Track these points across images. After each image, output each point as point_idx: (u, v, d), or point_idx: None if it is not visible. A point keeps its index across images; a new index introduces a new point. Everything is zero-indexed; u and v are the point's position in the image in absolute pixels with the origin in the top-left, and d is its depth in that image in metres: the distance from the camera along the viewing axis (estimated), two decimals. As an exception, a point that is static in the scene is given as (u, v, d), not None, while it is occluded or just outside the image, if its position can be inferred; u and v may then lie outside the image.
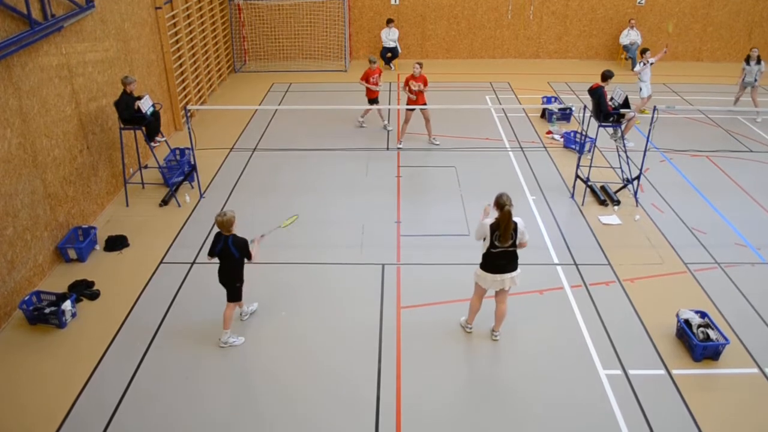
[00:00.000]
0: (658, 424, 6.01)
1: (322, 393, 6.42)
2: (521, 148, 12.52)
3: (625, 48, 18.22)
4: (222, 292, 7.91)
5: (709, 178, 11.17)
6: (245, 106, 14.52)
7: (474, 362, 6.91)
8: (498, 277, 6.64)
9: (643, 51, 13.43)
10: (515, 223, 6.42)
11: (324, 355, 6.98)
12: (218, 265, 6.97)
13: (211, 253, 6.89)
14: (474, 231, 6.62)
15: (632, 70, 17.82)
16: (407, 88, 11.93)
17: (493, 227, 6.42)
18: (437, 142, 12.60)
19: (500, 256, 6.54)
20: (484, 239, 6.56)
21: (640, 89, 13.56)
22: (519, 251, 6.65)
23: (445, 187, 10.82)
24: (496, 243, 6.46)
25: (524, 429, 6.01)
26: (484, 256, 6.62)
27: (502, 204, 6.35)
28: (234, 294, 7.05)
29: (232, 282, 6.99)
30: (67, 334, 7.29)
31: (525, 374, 6.66)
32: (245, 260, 6.92)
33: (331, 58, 18.62)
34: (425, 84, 11.90)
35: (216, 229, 6.87)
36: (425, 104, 12.04)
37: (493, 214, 6.51)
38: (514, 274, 6.68)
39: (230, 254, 6.78)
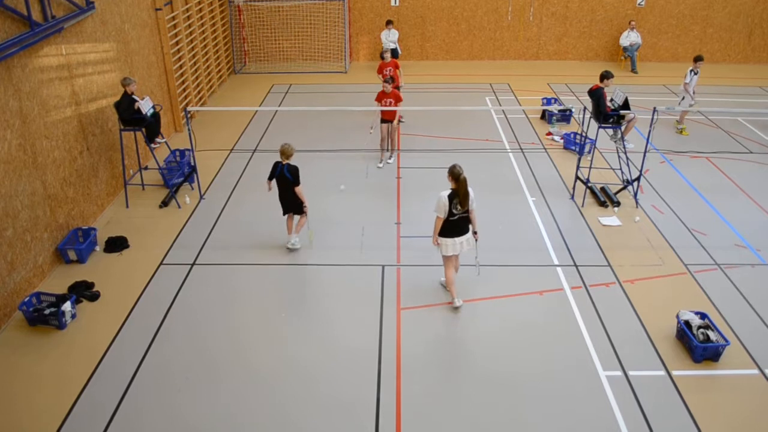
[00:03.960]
0: (659, 426, 6.00)
1: (322, 395, 6.41)
2: (521, 149, 12.53)
3: (625, 49, 18.24)
4: (221, 295, 7.97)
5: (709, 180, 11.17)
6: (245, 108, 14.54)
7: (474, 363, 6.89)
8: (457, 240, 7.43)
9: (697, 58, 12.70)
10: (468, 192, 7.26)
11: (323, 356, 6.97)
12: (278, 194, 8.59)
13: (271, 177, 8.53)
14: (435, 207, 7.35)
15: (632, 71, 17.91)
16: (383, 101, 11.44)
17: (451, 197, 7.22)
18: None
19: (457, 222, 7.35)
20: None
21: (683, 98, 12.88)
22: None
23: (445, 189, 10.78)
24: (454, 210, 7.24)
25: (525, 430, 6.01)
26: (444, 225, 7.34)
27: (457, 174, 7.19)
28: (298, 209, 8.70)
29: (294, 202, 8.61)
30: (67, 336, 7.29)
31: (525, 375, 6.66)
32: (295, 186, 8.41)
33: (331, 59, 18.63)
34: (397, 99, 11.50)
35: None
36: (393, 119, 11.46)
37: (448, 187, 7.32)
38: (467, 236, 7.50)
39: (285, 179, 8.37)
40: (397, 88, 12.91)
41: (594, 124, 10.59)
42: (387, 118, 11.54)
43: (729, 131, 13.47)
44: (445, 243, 7.44)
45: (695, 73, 12.93)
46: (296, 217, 8.85)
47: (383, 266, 8.53)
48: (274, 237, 9.28)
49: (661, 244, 9.13)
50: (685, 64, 18.76)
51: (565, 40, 19.03)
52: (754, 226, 9.60)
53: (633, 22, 18.03)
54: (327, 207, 10.15)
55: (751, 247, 9.05)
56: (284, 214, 8.84)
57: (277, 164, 8.47)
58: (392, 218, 9.78)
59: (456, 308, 7.63)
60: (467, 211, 7.36)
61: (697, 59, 12.85)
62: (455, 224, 7.35)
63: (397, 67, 12.91)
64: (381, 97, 11.53)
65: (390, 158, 11.88)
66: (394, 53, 18.10)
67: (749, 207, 10.23)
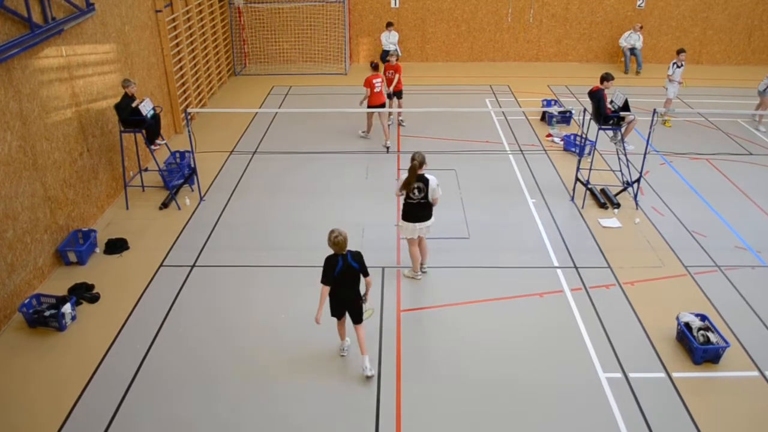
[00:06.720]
0: (659, 428, 6.00)
1: (322, 396, 6.41)
2: (521, 151, 12.53)
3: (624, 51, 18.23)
4: (221, 296, 7.93)
5: (709, 181, 11.17)
6: (245, 109, 14.53)
7: (474, 365, 6.88)
8: (417, 225, 7.84)
9: (680, 51, 13.39)
10: (427, 180, 7.64)
11: (324, 357, 6.96)
12: (331, 294, 6.39)
13: (328, 280, 6.20)
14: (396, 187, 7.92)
15: (635, 72, 17.90)
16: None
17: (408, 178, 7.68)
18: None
19: (415, 206, 7.78)
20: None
21: (667, 90, 13.69)
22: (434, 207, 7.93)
23: (445, 190, 10.68)
24: (411, 195, 7.71)
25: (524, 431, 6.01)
26: (403, 207, 7.87)
27: (411, 160, 7.66)
28: (360, 313, 6.58)
29: (357, 299, 6.51)
30: (67, 338, 7.29)
31: (525, 377, 6.65)
32: (363, 276, 6.42)
33: (331, 61, 18.64)
34: (398, 70, 12.99)
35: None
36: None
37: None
38: (428, 222, 7.92)
39: (352, 270, 6.31)
40: (399, 92, 12.96)
41: (594, 126, 10.59)
42: (381, 102, 12.42)
43: (729, 133, 13.47)
44: (405, 226, 7.90)
45: (678, 66, 13.27)
46: (349, 323, 6.68)
47: (383, 268, 8.52)
48: (274, 238, 9.28)
49: (661, 245, 9.13)
50: (685, 66, 18.86)
51: (565, 42, 19.04)
52: (754, 228, 9.59)
53: (640, 26, 17.89)
54: (326, 208, 10.15)
55: (751, 249, 9.04)
56: (335, 316, 6.69)
57: (334, 259, 6.25)
58: (392, 220, 9.77)
59: (409, 275, 8.29)
60: (426, 198, 7.71)
61: (680, 51, 13.38)
62: (413, 208, 7.77)
63: (398, 71, 12.94)
64: (386, 69, 12.88)
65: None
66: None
67: (749, 209, 10.23)
